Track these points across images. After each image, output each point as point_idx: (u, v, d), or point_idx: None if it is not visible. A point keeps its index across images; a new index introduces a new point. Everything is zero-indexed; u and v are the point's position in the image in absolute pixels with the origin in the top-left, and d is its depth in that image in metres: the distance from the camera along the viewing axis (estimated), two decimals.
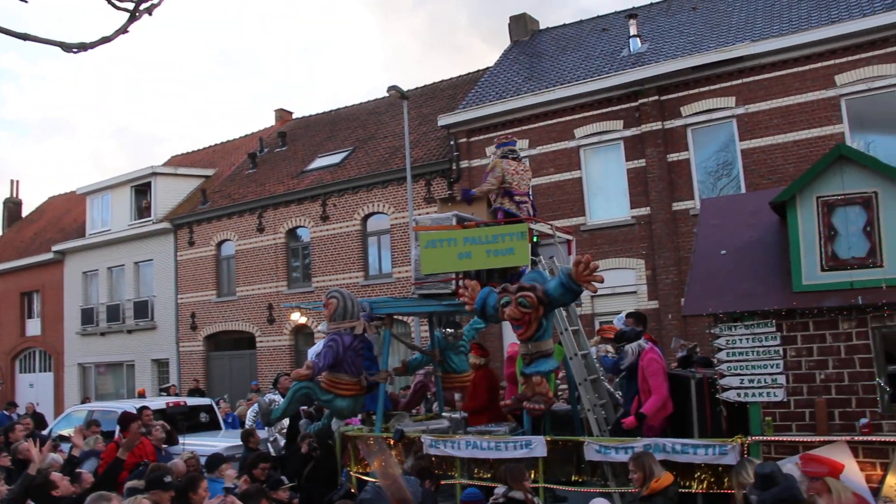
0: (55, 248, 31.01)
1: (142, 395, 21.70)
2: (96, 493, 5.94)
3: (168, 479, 6.66)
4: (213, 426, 14.35)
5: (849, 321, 6.77)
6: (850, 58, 15.46)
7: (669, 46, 18.53)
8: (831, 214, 6.90)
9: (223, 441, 12.46)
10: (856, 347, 6.73)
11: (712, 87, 16.88)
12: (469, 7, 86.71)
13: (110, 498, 5.84)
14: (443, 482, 8.16)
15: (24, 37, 3.46)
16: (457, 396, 9.99)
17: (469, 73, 25.68)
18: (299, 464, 10.13)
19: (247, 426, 12.38)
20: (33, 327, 32.77)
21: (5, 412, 20.91)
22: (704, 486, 7.07)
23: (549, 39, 23.07)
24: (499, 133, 18.96)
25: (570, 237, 10.68)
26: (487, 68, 23.67)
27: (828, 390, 6.78)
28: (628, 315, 9.26)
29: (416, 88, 26.22)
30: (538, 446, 7.88)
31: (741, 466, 6.36)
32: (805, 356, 6.90)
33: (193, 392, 21.10)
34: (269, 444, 11.90)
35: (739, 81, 16.59)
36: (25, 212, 40.24)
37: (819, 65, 15.76)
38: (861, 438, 6.52)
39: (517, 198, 9.51)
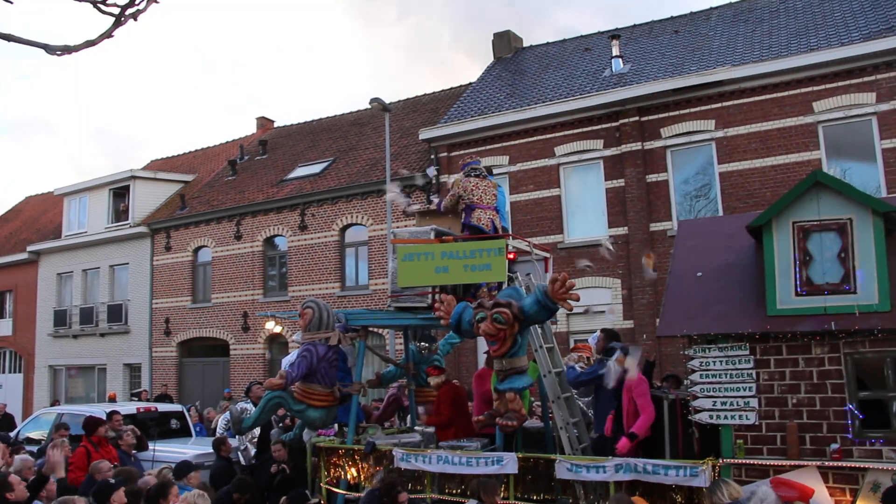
0: (30, 248, 30.69)
1: (112, 400, 21.47)
2: (62, 498, 5.85)
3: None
4: (183, 433, 14.21)
5: (822, 346, 6.83)
6: (827, 85, 15.68)
7: (651, 68, 18.69)
8: (807, 240, 6.97)
9: (193, 448, 12.33)
10: (828, 373, 6.79)
11: (692, 110, 17.04)
12: (452, 21, 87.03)
13: (75, 503, 5.76)
14: (412, 496, 8.11)
15: (8, 37, 3.43)
16: (420, 409, 9.95)
17: (452, 88, 25.75)
18: (270, 473, 10.06)
19: (218, 434, 12.26)
20: (4, 327, 32.33)
21: None
22: None
23: (532, 57, 23.19)
24: (479, 148, 19.06)
25: (547, 254, 10.69)
26: (470, 83, 23.75)
27: (799, 415, 6.83)
28: (602, 330, 9.24)
29: (399, 101, 26.24)
30: (510, 463, 7.86)
31: (716, 487, 6.34)
32: (778, 380, 6.95)
33: (161, 398, 20.86)
34: (239, 453, 11.78)
35: (719, 105, 16.76)
36: (1, 211, 39.81)
37: (797, 91, 15.97)
38: (832, 464, 6.57)
39: (479, 211, 9.46)
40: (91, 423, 10.45)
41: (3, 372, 32.29)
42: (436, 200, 10.27)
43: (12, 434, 13.90)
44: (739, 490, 6.14)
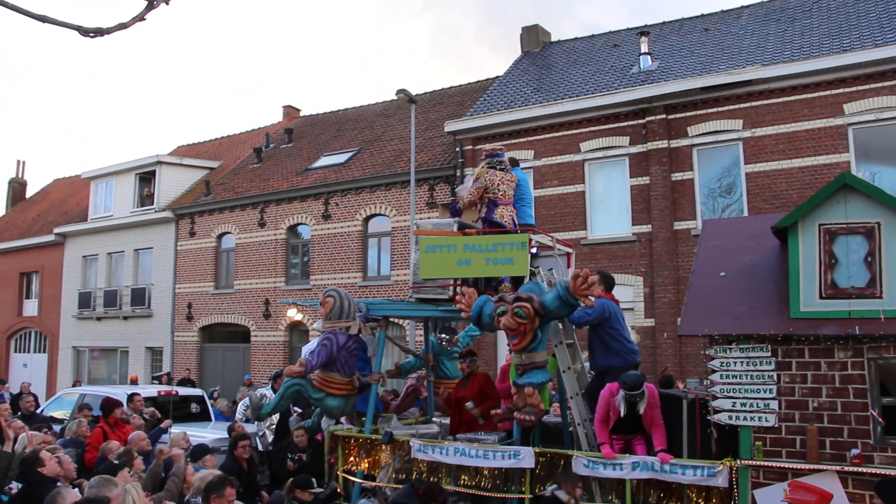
0: (57, 230, 31.05)
1: (134, 382, 21.69)
2: (100, 476, 5.90)
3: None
4: (203, 417, 14.32)
5: (845, 350, 6.76)
6: (859, 87, 15.48)
7: (679, 66, 18.55)
8: (833, 242, 6.89)
9: (212, 433, 12.43)
10: (850, 377, 6.72)
11: (720, 109, 16.90)
12: (476, 14, 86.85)
13: (116, 483, 5.82)
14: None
15: (43, 19, 3.44)
16: (469, 405, 9.74)
17: (478, 81, 25.72)
18: (287, 460, 10.14)
19: (237, 420, 12.36)
20: (31, 308, 32.78)
21: None
22: None
23: (559, 52, 23.09)
24: (505, 142, 19.01)
25: (570, 250, 10.65)
26: (496, 77, 23.69)
27: (820, 418, 6.77)
28: (598, 272, 9.06)
29: (425, 93, 26.25)
30: (527, 457, 7.87)
31: None
32: (799, 383, 6.89)
33: (183, 382, 21.08)
34: (257, 439, 11.88)
35: (748, 105, 16.61)
36: (30, 193, 40.29)
37: (828, 92, 15.78)
38: (852, 469, 6.51)
39: (502, 208, 9.34)
40: (108, 405, 10.67)
41: (29, 351, 32.75)
42: (459, 191, 10.03)
43: (38, 412, 14.13)
44: None
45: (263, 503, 9.13)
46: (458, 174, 19.94)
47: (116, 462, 7.56)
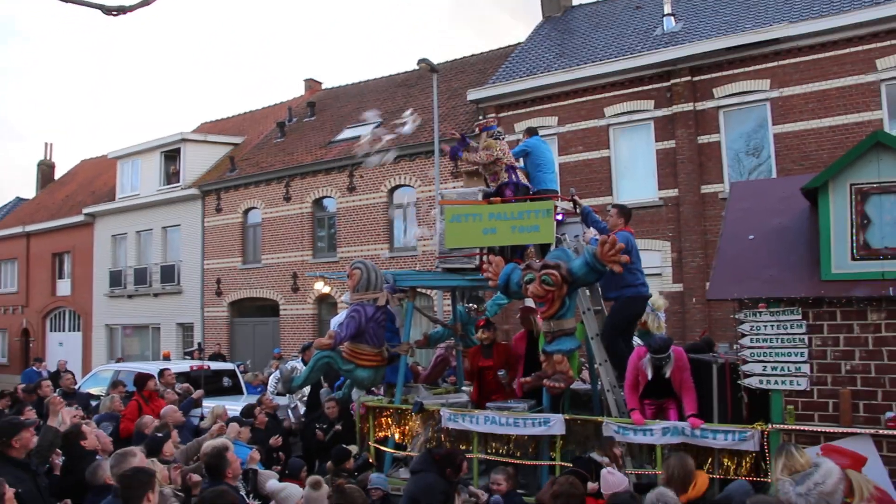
0: (86, 210, 31.41)
1: (167, 358, 22.00)
2: (120, 450, 6.04)
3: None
4: (235, 391, 14.49)
5: (878, 312, 6.64)
6: (893, 41, 15.10)
7: (704, 26, 18.24)
8: (865, 202, 6.75)
9: (245, 405, 12.56)
10: (884, 339, 6.61)
11: (746, 69, 16.61)
12: None
13: (135, 454, 5.94)
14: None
15: None
16: (501, 374, 9.81)
17: (499, 48, 25.47)
18: (319, 434, 10.24)
19: (269, 393, 12.49)
20: (64, 287, 33.29)
21: (34, 368, 21.48)
22: (724, 472, 7.05)
23: (581, 16, 22.79)
24: (528, 109, 18.88)
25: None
26: (518, 43, 23.45)
27: (853, 381, 6.68)
28: (613, 205, 9.18)
29: (446, 62, 26.06)
30: (557, 424, 7.88)
31: (787, 452, 5.49)
32: (831, 346, 6.80)
33: (214, 357, 21.33)
34: (289, 411, 12.00)
35: (775, 64, 16.30)
36: (58, 174, 40.73)
37: (859, 48, 15.44)
38: (886, 432, 6.43)
39: (519, 171, 9.50)
40: (141, 379, 11.00)
41: (64, 330, 33.31)
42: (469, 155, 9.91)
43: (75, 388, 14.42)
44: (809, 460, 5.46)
45: (281, 462, 9.22)
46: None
47: (160, 435, 7.75)
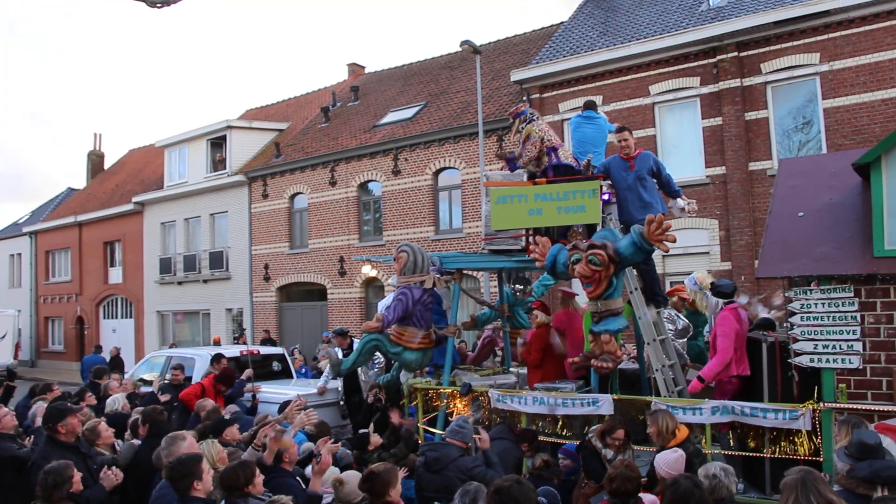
0: (135, 199, 32.02)
1: (217, 343, 22.40)
2: (171, 434, 6.20)
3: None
4: (285, 375, 14.74)
5: None
6: None
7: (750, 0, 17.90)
8: None
9: (295, 389, 12.79)
10: None
11: (795, 43, 16.27)
12: None
13: (185, 437, 6.10)
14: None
15: None
16: (519, 340, 10.03)
17: (542, 28, 25.31)
18: (364, 414, 10.40)
19: (324, 378, 12.64)
20: (115, 275, 34.04)
21: (96, 354, 22.16)
22: (775, 451, 7.01)
23: None
24: (572, 89, 18.73)
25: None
26: (561, 23, 23.26)
27: None
28: (622, 127, 9.37)
29: (489, 43, 25.96)
30: (605, 404, 7.90)
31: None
32: (884, 323, 6.69)
33: (264, 342, 21.66)
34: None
35: (825, 37, 15.95)
36: (107, 164, 41.55)
37: None
38: None
39: (562, 150, 9.41)
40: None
41: (116, 317, 34.08)
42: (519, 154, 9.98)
43: (127, 375, 14.78)
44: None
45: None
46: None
47: (227, 418, 8.01)
